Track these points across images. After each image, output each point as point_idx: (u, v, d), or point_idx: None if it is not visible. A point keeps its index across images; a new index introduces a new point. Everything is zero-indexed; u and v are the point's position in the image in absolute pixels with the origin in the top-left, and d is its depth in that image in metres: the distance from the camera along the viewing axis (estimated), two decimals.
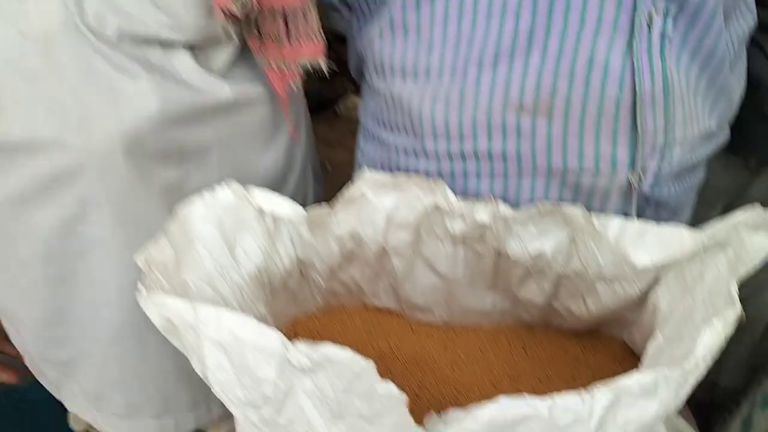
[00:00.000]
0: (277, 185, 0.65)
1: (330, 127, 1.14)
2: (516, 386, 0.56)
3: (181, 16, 0.51)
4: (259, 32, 0.54)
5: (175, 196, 0.55)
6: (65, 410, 0.78)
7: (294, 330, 0.60)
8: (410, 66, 0.52)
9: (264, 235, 0.52)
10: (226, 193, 0.50)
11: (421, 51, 0.51)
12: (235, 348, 0.38)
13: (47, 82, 0.49)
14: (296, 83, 0.57)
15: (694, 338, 0.37)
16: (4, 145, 0.50)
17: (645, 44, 0.46)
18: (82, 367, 0.63)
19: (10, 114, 0.49)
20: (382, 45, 0.54)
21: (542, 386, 0.56)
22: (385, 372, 0.60)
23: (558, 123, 0.47)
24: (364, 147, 0.62)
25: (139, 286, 0.42)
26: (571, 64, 0.46)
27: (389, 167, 0.56)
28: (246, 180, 0.60)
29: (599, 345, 0.59)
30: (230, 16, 0.51)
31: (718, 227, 0.43)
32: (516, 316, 0.61)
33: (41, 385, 0.67)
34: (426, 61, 0.51)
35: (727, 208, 0.70)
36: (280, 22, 0.53)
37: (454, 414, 0.29)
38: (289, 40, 0.54)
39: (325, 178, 0.85)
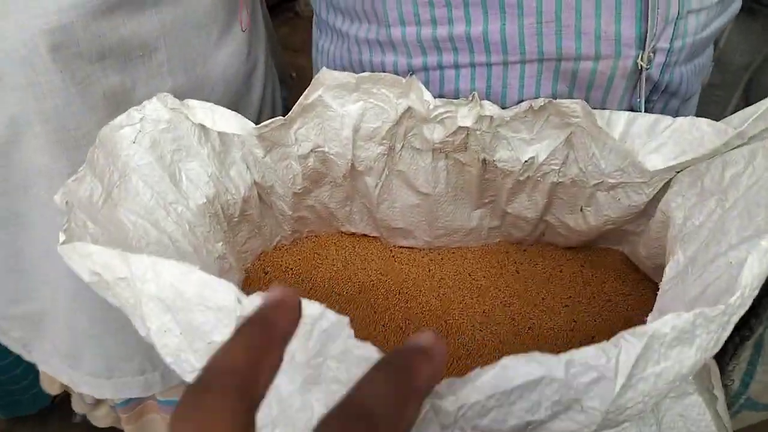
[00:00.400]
0: (240, 88, 0.55)
1: (291, 30, 1.01)
2: (509, 313, 0.50)
3: None
4: None
5: (121, 108, 0.46)
6: (36, 375, 0.71)
7: (262, 266, 0.52)
8: None
9: (211, 158, 0.43)
10: (156, 108, 0.40)
11: None
12: (180, 306, 0.31)
13: None
14: None
15: (730, 262, 0.29)
16: None
17: None
18: (49, 323, 0.55)
19: None
20: None
21: (538, 311, 0.50)
22: (366, 306, 0.53)
23: None
24: (320, 41, 0.51)
25: (60, 233, 0.34)
26: None
27: (351, 65, 0.46)
28: (204, 85, 0.51)
29: (597, 260, 0.53)
30: None
31: (749, 115, 0.35)
32: (505, 234, 0.53)
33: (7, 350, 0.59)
34: None
35: (750, 86, 0.62)
36: None
37: (450, 383, 0.22)
38: None
39: (290, 87, 0.75)
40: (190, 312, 0.29)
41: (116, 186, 0.40)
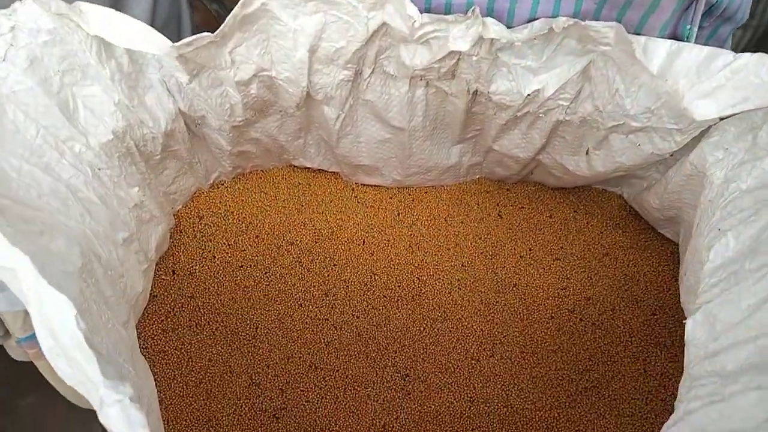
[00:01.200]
0: None
1: None
2: (492, 266, 0.42)
3: None
4: None
5: None
6: None
7: (196, 209, 0.42)
8: None
9: (117, 80, 0.31)
10: (33, 13, 0.28)
11: None
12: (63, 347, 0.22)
13: None
14: None
15: None
16: None
17: None
18: None
19: None
20: None
21: (524, 264, 0.42)
22: (324, 258, 0.43)
23: None
24: None
25: None
26: None
27: None
28: None
29: (592, 205, 0.44)
30: None
31: None
32: (487, 171, 0.44)
33: None
34: None
35: None
36: None
37: None
38: None
39: None
40: (73, 359, 0.20)
41: None
